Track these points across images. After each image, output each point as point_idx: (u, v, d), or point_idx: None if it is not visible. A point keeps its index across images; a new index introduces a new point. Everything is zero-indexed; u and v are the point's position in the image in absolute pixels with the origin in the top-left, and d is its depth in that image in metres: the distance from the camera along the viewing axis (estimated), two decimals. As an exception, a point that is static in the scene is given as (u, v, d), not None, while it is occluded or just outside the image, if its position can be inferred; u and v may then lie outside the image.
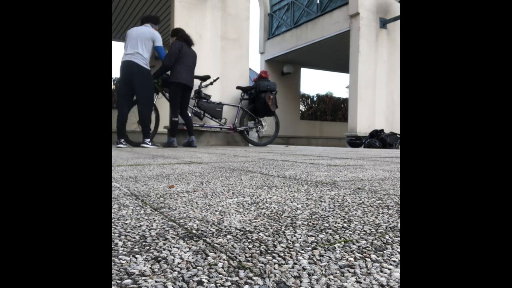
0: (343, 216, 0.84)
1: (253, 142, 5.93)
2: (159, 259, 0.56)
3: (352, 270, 0.52)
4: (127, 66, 4.49)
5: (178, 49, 4.69)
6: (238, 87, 5.75)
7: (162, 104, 5.43)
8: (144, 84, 4.54)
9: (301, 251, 0.59)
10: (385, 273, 0.51)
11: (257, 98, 5.63)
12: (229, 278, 0.49)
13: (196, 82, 5.29)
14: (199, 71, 5.49)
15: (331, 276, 0.49)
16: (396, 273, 0.51)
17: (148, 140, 4.64)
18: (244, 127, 5.79)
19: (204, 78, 5.21)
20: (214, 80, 5.44)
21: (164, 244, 0.63)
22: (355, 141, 7.32)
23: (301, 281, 0.48)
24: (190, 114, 5.18)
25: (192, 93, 5.25)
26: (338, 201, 1.03)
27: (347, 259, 0.56)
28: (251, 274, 0.50)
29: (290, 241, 0.65)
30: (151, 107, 4.69)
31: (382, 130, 7.02)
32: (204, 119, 5.42)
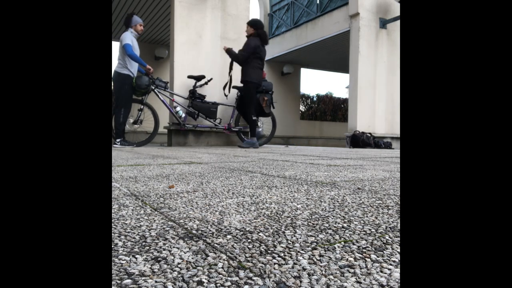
0: (343, 216, 0.84)
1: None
2: (159, 259, 0.56)
3: (352, 270, 0.52)
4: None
5: (254, 48, 4.70)
6: (234, 87, 5.71)
7: (160, 104, 5.42)
8: (118, 89, 4.72)
9: (301, 251, 0.59)
10: (385, 273, 0.51)
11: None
12: (229, 278, 0.49)
13: (191, 82, 5.29)
14: (198, 71, 5.49)
15: (331, 276, 0.49)
16: (396, 273, 0.51)
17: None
18: (238, 127, 5.76)
19: (199, 78, 5.21)
20: (209, 81, 5.42)
21: (164, 244, 0.63)
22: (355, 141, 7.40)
23: (301, 281, 0.48)
24: (184, 115, 5.21)
25: (186, 93, 5.26)
26: (338, 201, 1.03)
27: (347, 259, 0.56)
28: (251, 274, 0.50)
29: (290, 241, 0.65)
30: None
31: (363, 133, 7.15)
32: (198, 119, 5.40)
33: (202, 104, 5.33)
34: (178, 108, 5.20)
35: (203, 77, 5.24)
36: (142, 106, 4.94)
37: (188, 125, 5.26)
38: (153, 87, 4.96)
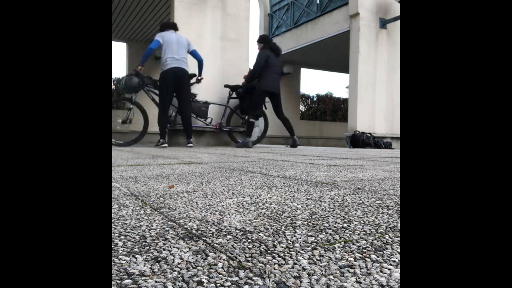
0: (343, 216, 0.84)
1: (238, 141, 5.80)
2: (159, 259, 0.56)
3: (352, 270, 0.52)
4: (179, 72, 4.78)
5: (265, 59, 5.08)
6: (226, 85, 5.62)
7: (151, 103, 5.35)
8: (189, 87, 4.93)
9: (301, 251, 0.59)
10: (385, 273, 0.51)
11: (244, 98, 5.52)
12: (229, 278, 0.49)
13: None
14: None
15: (331, 276, 0.49)
16: (396, 273, 0.51)
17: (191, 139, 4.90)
18: (229, 127, 5.69)
19: (189, 77, 5.16)
20: (199, 80, 5.32)
21: (164, 244, 0.63)
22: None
23: (301, 281, 0.48)
24: (173, 114, 5.14)
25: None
26: (338, 201, 1.03)
27: (347, 259, 0.56)
28: (251, 274, 0.50)
29: (290, 241, 0.65)
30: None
31: (363, 133, 7.17)
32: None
33: (193, 103, 5.23)
34: None
35: (193, 75, 5.16)
36: (131, 105, 4.88)
37: (179, 125, 5.15)
38: (142, 86, 4.89)
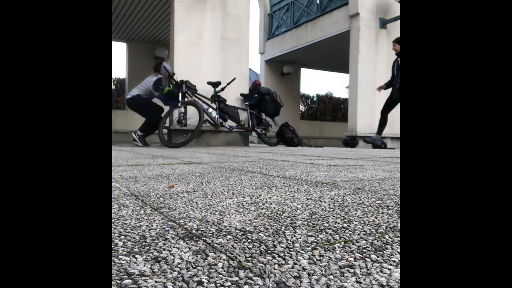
0: (343, 216, 0.84)
1: (268, 142, 6.24)
2: (159, 259, 0.56)
3: (352, 270, 0.52)
4: None
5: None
6: (241, 94, 5.98)
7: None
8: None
9: (301, 251, 0.59)
10: (385, 273, 0.51)
11: (262, 100, 5.94)
12: (229, 278, 0.49)
13: (211, 88, 5.42)
14: (199, 71, 5.51)
15: (331, 276, 0.49)
16: (396, 273, 0.51)
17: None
18: (258, 127, 6.07)
19: (216, 84, 5.36)
20: (229, 83, 5.48)
21: (164, 244, 0.63)
22: (349, 141, 7.53)
23: (301, 281, 0.48)
24: (216, 116, 5.36)
25: (210, 97, 5.44)
26: (338, 201, 1.03)
27: (347, 259, 0.56)
28: (251, 274, 0.50)
29: (290, 241, 0.65)
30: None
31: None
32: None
33: (227, 107, 5.53)
34: (210, 110, 5.35)
35: (219, 83, 5.40)
36: (184, 106, 5.02)
37: (224, 126, 5.44)
38: (185, 90, 5.04)
